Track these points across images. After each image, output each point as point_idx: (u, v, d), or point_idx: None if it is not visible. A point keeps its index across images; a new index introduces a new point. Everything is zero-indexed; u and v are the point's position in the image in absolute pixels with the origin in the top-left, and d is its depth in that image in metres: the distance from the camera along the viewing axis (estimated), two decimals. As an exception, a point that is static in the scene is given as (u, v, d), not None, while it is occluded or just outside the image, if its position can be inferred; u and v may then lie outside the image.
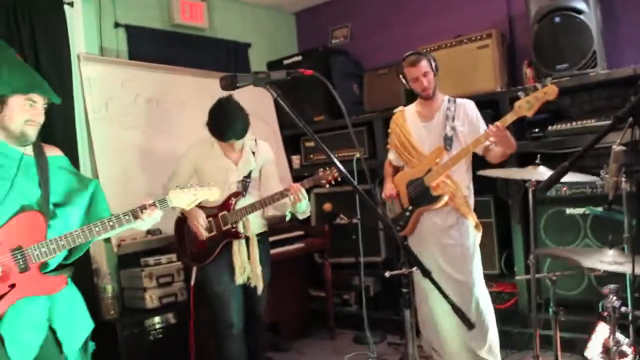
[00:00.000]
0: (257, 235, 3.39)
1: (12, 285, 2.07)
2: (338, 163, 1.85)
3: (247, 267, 3.30)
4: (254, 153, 3.46)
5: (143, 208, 2.26)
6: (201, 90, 4.61)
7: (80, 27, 4.18)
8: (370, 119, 4.83)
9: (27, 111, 2.15)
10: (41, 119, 2.21)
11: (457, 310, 1.75)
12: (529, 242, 4.00)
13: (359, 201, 4.67)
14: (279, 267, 3.81)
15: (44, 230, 2.16)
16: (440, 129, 3.41)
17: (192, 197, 2.38)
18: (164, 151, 4.33)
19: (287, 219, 3.50)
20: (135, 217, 2.25)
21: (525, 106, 3.02)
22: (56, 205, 2.26)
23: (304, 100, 5.01)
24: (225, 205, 3.30)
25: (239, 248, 3.29)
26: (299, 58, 5.38)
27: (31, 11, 3.80)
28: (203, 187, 2.42)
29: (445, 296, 1.76)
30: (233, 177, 3.36)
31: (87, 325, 2.35)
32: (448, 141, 3.37)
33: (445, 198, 3.34)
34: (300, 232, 4.80)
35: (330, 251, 4.84)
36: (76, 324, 2.29)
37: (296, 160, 5.38)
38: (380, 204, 3.61)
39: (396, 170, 3.68)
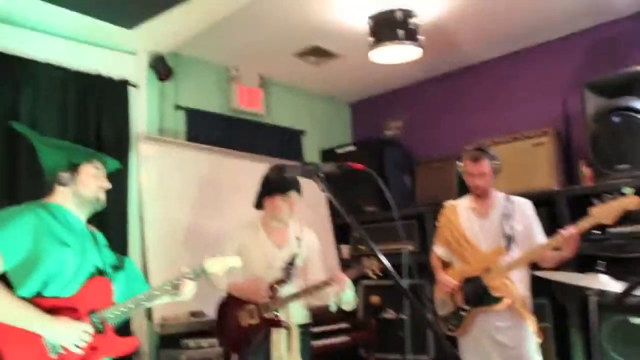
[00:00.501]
0: (300, 326, 3.30)
1: (93, 349, 2.17)
2: (380, 255, 1.81)
3: (285, 357, 3.19)
4: (298, 239, 3.42)
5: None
6: (255, 174, 4.64)
7: (143, 108, 4.35)
8: (421, 212, 4.75)
9: (98, 179, 2.33)
10: (107, 185, 2.37)
11: None
12: (590, 352, 3.76)
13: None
14: (322, 359, 3.67)
15: (111, 294, 2.31)
16: (498, 227, 3.31)
17: (222, 264, 2.49)
18: (214, 233, 4.33)
19: (332, 309, 3.40)
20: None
21: (604, 214, 2.90)
22: None
23: (356, 190, 4.99)
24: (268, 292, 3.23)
25: (278, 337, 3.19)
26: (353, 148, 5.42)
27: (100, 89, 4.02)
28: (229, 256, 2.56)
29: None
30: (277, 262, 3.32)
31: None
32: (509, 240, 3.26)
33: (506, 300, 3.18)
34: (346, 325, 4.65)
35: (376, 346, 4.65)
36: None
37: (345, 249, 5.30)
38: (423, 302, 3.47)
39: (445, 266, 3.56)
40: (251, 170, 4.76)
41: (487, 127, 4.83)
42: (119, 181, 3.96)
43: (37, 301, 2.09)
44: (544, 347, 3.40)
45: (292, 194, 3.32)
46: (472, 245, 3.34)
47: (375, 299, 4.51)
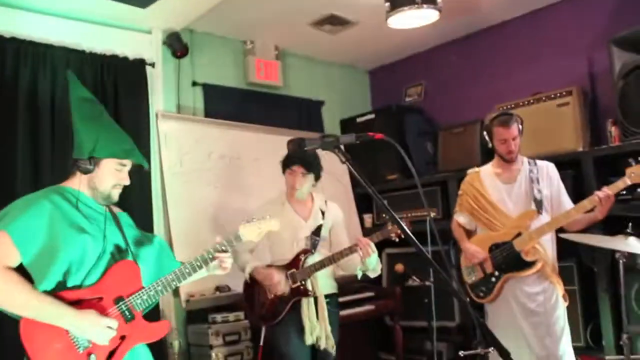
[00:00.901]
0: (327, 296, 3.33)
1: (122, 337, 2.09)
2: (401, 222, 1.81)
3: (317, 326, 3.23)
4: (323, 213, 3.45)
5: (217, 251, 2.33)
6: (274, 147, 4.63)
7: (159, 86, 4.35)
8: (444, 179, 4.70)
9: (116, 175, 2.20)
10: (127, 182, 2.24)
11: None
12: (618, 313, 3.72)
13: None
14: (348, 329, 3.69)
15: (139, 278, 2.20)
16: (527, 192, 3.29)
17: (257, 230, 2.42)
18: (236, 207, 4.36)
19: (358, 277, 3.40)
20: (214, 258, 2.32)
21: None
22: None
23: (377, 158, 4.96)
24: (294, 262, 3.27)
25: (307, 307, 3.23)
26: (372, 116, 5.37)
27: (117, 70, 4.03)
28: (264, 219, 2.45)
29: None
30: (302, 233, 3.35)
31: None
32: (539, 204, 3.23)
33: (539, 264, 3.17)
34: (371, 294, 4.66)
35: (401, 314, 4.66)
36: None
37: (368, 219, 5.29)
38: (454, 268, 3.45)
39: (467, 233, 3.54)
40: (271, 144, 4.75)
41: (509, 90, 4.73)
42: (140, 161, 3.98)
43: (60, 294, 2.01)
44: (570, 310, 3.40)
45: (295, 166, 3.34)
46: (500, 211, 3.31)
47: (399, 267, 4.47)
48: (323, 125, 5.53)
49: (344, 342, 3.52)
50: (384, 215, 5.19)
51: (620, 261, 2.83)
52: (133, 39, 4.21)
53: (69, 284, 2.04)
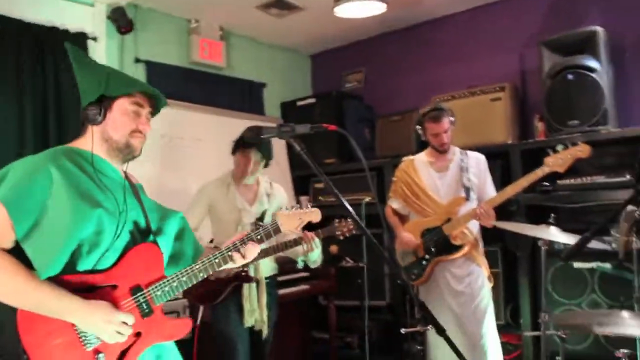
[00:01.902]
0: (267, 278, 3.39)
1: (138, 334, 1.77)
2: (352, 210, 1.86)
3: (256, 310, 3.29)
4: (268, 196, 3.47)
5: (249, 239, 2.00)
6: (216, 127, 4.67)
7: (102, 62, 4.25)
8: (381, 165, 4.86)
9: (133, 118, 1.85)
10: (147, 129, 1.91)
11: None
12: (535, 295, 4.02)
13: (365, 245, 4.69)
14: (283, 308, 3.78)
15: (161, 265, 1.86)
16: (457, 180, 3.47)
17: (298, 221, 2.11)
18: (176, 187, 4.36)
19: (299, 266, 3.50)
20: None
21: (558, 162, 3.10)
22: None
23: (315, 142, 5.06)
24: None
25: (249, 292, 3.27)
26: (313, 100, 5.47)
27: (57, 43, 3.90)
28: (306, 210, 2.14)
29: (458, 353, 1.76)
30: (247, 218, 3.35)
31: None
32: (467, 191, 3.42)
33: (466, 248, 3.37)
34: (306, 274, 4.77)
35: (335, 294, 4.82)
36: None
37: (305, 201, 5.40)
38: (389, 251, 3.61)
39: (400, 218, 3.69)
40: (212, 124, 4.78)
41: (446, 82, 4.95)
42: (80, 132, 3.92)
43: (68, 278, 1.67)
44: (493, 291, 3.62)
45: (251, 152, 3.32)
46: (432, 198, 3.47)
47: (333, 248, 4.60)
48: (264, 107, 5.59)
49: (279, 320, 3.59)
50: (320, 197, 5.33)
51: (542, 248, 3.05)
52: (75, 11, 4.11)
53: (79, 267, 1.70)
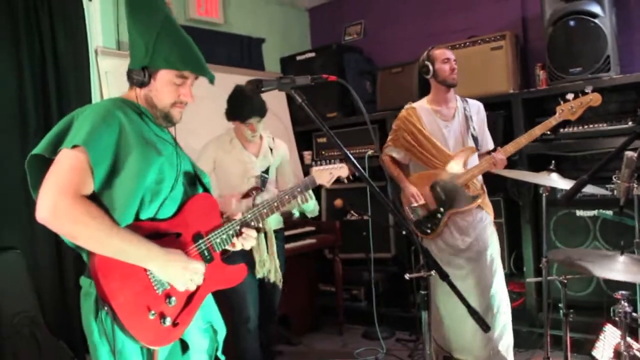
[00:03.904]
0: (275, 231, 3.43)
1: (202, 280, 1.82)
2: (356, 163, 1.85)
3: (267, 261, 3.34)
4: (271, 150, 3.49)
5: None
6: (216, 85, 4.62)
7: (98, 22, 4.23)
8: (383, 117, 4.84)
9: (176, 90, 1.84)
10: (190, 99, 1.90)
11: (473, 312, 1.79)
12: (538, 243, 4.06)
13: (370, 198, 4.73)
14: (290, 261, 3.84)
15: (218, 214, 1.94)
16: (464, 129, 3.39)
17: (328, 175, 2.39)
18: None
19: (295, 217, 3.52)
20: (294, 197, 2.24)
21: (569, 111, 3.09)
22: None
23: (317, 97, 5.05)
24: (245, 199, 3.33)
25: (258, 243, 3.30)
26: (313, 54, 5.42)
27: (51, 4, 3.85)
28: (336, 166, 2.41)
29: (463, 299, 1.80)
30: (253, 171, 3.38)
31: (224, 327, 2.09)
32: (476, 141, 3.37)
33: (480, 198, 3.34)
34: (312, 228, 4.84)
35: (340, 247, 4.88)
36: (222, 326, 2.07)
37: (307, 155, 5.42)
38: (395, 203, 3.59)
39: (400, 168, 3.61)
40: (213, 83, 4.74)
41: (446, 32, 4.90)
42: (81, 98, 3.92)
43: (136, 226, 1.70)
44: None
45: (253, 120, 3.31)
46: (439, 148, 3.36)
47: (338, 202, 4.65)
48: (263, 62, 5.55)
49: (286, 274, 3.64)
50: (323, 152, 5.34)
51: (543, 195, 3.07)
52: (69, -31, 4.05)
53: (142, 216, 1.73)
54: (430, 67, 3.39)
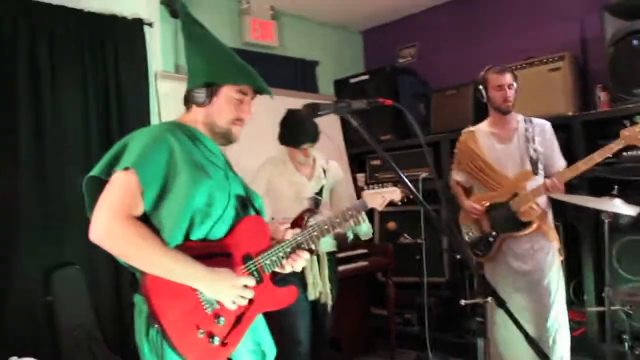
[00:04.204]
0: (327, 254, 3.43)
1: (250, 301, 1.82)
2: (411, 185, 1.85)
3: (319, 282, 3.34)
4: (324, 172, 3.49)
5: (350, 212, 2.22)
6: (270, 106, 4.68)
7: (157, 46, 4.37)
8: (437, 140, 4.80)
9: (236, 106, 1.88)
10: (249, 116, 1.93)
11: (531, 342, 1.73)
12: (600, 270, 3.91)
13: (423, 221, 4.66)
14: (342, 284, 3.82)
15: (268, 236, 1.96)
16: (523, 151, 3.28)
17: (381, 199, 2.38)
18: (236, 167, 4.42)
19: (349, 240, 3.51)
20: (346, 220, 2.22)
21: (636, 136, 2.92)
22: None
23: (371, 119, 5.05)
24: (298, 222, 3.33)
25: (311, 265, 3.31)
26: (366, 77, 5.43)
27: (115, 30, 4.03)
28: (388, 189, 2.40)
29: (521, 327, 1.74)
30: (306, 192, 3.38)
31: (274, 349, 2.06)
32: (534, 164, 3.25)
33: (535, 225, 3.22)
34: (364, 250, 4.81)
35: (393, 270, 4.83)
36: (272, 348, 2.04)
37: (361, 178, 5.41)
38: (450, 226, 3.53)
39: (465, 191, 3.56)
40: (267, 103, 4.79)
41: (502, 53, 4.80)
42: (140, 120, 4.04)
43: (187, 246, 1.73)
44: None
45: (306, 146, 3.33)
46: (497, 172, 3.31)
47: (391, 225, 4.63)
48: (317, 85, 5.61)
49: (338, 297, 3.65)
50: (376, 174, 5.32)
51: (606, 221, 2.96)
52: (130, -1, 4.22)
53: (193, 237, 1.76)
54: (484, 93, 3.35)
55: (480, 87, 3.36)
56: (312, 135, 3.31)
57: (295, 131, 3.31)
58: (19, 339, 3.33)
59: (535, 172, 3.25)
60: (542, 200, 3.31)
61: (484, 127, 3.47)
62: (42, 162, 3.60)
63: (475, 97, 4.61)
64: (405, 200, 3.03)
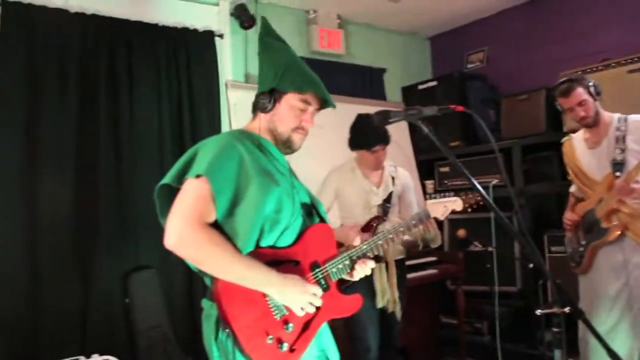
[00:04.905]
0: (396, 261, 3.41)
1: (317, 308, 1.83)
2: (483, 192, 1.85)
3: (387, 290, 3.33)
4: (393, 179, 3.49)
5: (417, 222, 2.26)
6: (338, 114, 4.71)
7: (228, 57, 4.50)
8: (508, 146, 4.70)
9: (298, 115, 1.91)
10: (310, 125, 1.95)
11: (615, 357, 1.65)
12: None
13: (495, 229, 4.57)
14: (411, 291, 3.79)
15: (334, 244, 1.97)
16: (610, 154, 3.14)
17: (443, 209, 2.41)
18: (301, 174, 4.47)
19: (418, 247, 3.49)
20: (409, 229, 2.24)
21: None
22: None
23: (440, 126, 4.99)
24: (367, 229, 3.34)
25: (380, 272, 3.31)
26: (434, 83, 5.39)
27: (188, 42, 4.18)
28: (451, 199, 2.42)
29: (602, 341, 1.67)
30: (374, 200, 3.39)
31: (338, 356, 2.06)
32: (617, 166, 3.07)
33: (617, 231, 3.05)
34: (434, 258, 4.76)
35: (463, 278, 4.74)
36: (336, 355, 2.04)
37: (430, 185, 5.36)
38: (523, 232, 3.43)
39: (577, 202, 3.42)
40: (334, 111, 4.82)
41: (576, 56, 4.67)
42: (211, 128, 4.16)
43: (257, 253, 1.75)
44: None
45: (379, 147, 3.33)
46: (589, 177, 3.22)
47: (461, 232, 4.53)
48: (385, 92, 5.59)
49: (407, 305, 3.61)
50: (445, 181, 5.25)
51: None
52: (202, 11, 4.36)
53: (262, 243, 1.78)
54: (560, 109, 3.32)
55: (557, 103, 3.31)
56: (384, 137, 3.32)
57: (368, 134, 3.31)
58: (100, 338, 3.48)
59: (616, 174, 3.08)
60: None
61: (580, 133, 3.39)
62: (119, 168, 3.76)
63: (547, 102, 4.51)
64: (470, 210, 2.99)
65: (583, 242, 3.22)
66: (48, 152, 3.48)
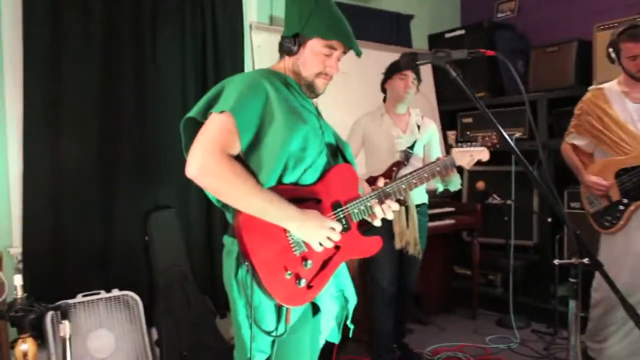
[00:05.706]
0: (418, 206, 3.47)
1: (337, 247, 1.85)
2: (511, 141, 1.85)
3: (406, 233, 3.37)
4: (418, 127, 3.51)
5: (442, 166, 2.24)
6: (363, 61, 4.65)
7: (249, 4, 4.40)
8: (535, 99, 4.60)
9: (322, 60, 1.87)
10: (335, 71, 1.92)
11: (633, 314, 1.65)
12: None
13: (514, 182, 4.55)
14: (427, 241, 3.82)
15: (357, 185, 1.96)
16: None
17: (469, 158, 2.40)
18: (331, 120, 4.45)
19: (438, 191, 3.48)
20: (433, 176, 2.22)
21: None
22: None
23: (465, 75, 4.88)
24: (387, 174, 3.36)
25: (399, 215, 3.34)
26: (462, 32, 5.27)
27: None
28: (477, 149, 2.41)
29: (617, 291, 1.68)
30: (400, 145, 3.42)
31: (355, 296, 2.09)
32: None
33: None
34: (451, 209, 4.76)
35: (479, 230, 4.75)
36: (354, 295, 2.07)
37: (452, 135, 5.31)
38: (549, 185, 3.40)
39: (583, 156, 3.33)
40: (360, 58, 4.77)
41: (612, 7, 4.51)
42: (235, 69, 4.12)
43: (279, 189, 1.75)
44: None
45: (409, 73, 3.36)
46: (630, 132, 3.04)
47: (480, 184, 4.54)
48: (411, 40, 5.47)
49: (423, 254, 3.62)
50: (467, 132, 5.20)
51: None
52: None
53: (285, 180, 1.79)
54: (615, 58, 3.09)
55: (611, 51, 3.10)
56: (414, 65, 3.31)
57: (395, 64, 3.37)
58: (121, 275, 3.56)
59: None
60: None
61: (614, 85, 3.19)
62: (141, 108, 3.74)
63: (578, 55, 4.39)
64: (496, 147, 2.90)
65: (624, 201, 3.07)
66: (72, 91, 3.48)
